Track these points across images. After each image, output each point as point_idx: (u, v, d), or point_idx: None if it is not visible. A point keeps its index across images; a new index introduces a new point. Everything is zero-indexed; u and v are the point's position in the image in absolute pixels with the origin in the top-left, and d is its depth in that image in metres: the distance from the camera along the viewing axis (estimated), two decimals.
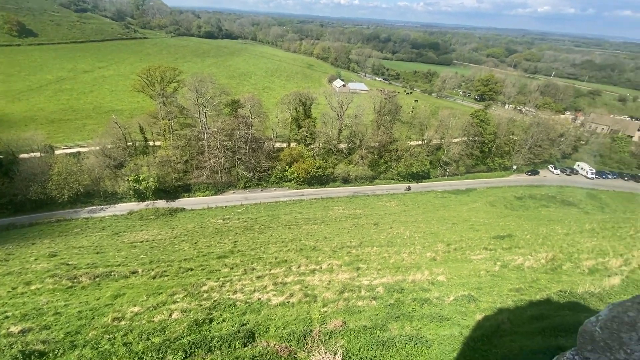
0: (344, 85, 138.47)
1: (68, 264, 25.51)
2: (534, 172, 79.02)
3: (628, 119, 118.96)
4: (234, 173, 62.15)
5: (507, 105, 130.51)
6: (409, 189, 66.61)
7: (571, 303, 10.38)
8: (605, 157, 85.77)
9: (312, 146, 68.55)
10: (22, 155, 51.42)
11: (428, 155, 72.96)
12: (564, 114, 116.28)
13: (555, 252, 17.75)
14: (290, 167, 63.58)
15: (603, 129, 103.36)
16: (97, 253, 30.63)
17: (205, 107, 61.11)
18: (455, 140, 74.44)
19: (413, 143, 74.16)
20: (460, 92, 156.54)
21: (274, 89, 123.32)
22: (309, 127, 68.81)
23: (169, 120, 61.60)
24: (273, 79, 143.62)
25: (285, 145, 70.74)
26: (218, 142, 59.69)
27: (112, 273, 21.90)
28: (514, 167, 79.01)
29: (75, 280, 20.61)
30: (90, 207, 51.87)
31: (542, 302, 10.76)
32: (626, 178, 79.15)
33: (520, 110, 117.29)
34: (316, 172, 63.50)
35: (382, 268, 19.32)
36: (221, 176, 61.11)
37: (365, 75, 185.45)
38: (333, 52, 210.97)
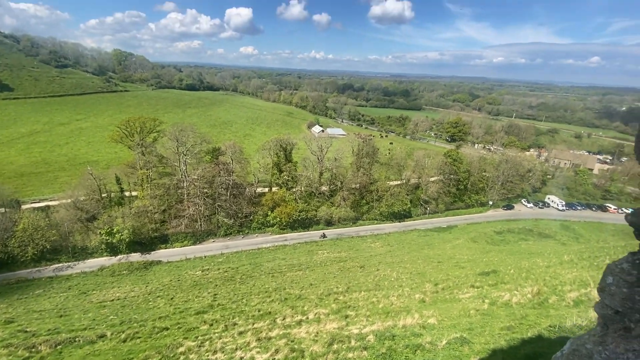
0: (322, 131, 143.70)
1: (26, 331, 22.89)
2: (509, 207, 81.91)
3: (586, 153, 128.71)
4: (214, 221, 60.56)
5: (476, 145, 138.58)
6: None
7: (562, 338, 10.23)
8: (572, 190, 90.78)
9: (294, 190, 68.81)
10: None
11: (408, 195, 74.60)
12: (528, 151, 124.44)
13: (540, 286, 17.85)
14: (272, 211, 62.90)
15: (565, 163, 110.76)
16: (61, 316, 27.83)
17: (185, 155, 61.14)
18: (432, 179, 77.10)
19: (392, 183, 76.05)
20: (432, 134, 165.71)
21: (254, 136, 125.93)
22: (290, 171, 69.65)
23: (147, 169, 60.75)
24: (254, 126, 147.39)
25: (266, 190, 70.64)
26: (198, 189, 58.87)
27: (77, 339, 19.78)
28: (490, 202, 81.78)
29: (33, 349, 18.40)
30: (57, 265, 48.11)
31: (534, 340, 10.55)
32: (594, 208, 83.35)
33: (489, 149, 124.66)
34: (299, 216, 62.99)
35: (371, 314, 18.57)
36: (201, 224, 59.29)
37: (342, 121, 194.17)
38: (311, 101, 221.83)
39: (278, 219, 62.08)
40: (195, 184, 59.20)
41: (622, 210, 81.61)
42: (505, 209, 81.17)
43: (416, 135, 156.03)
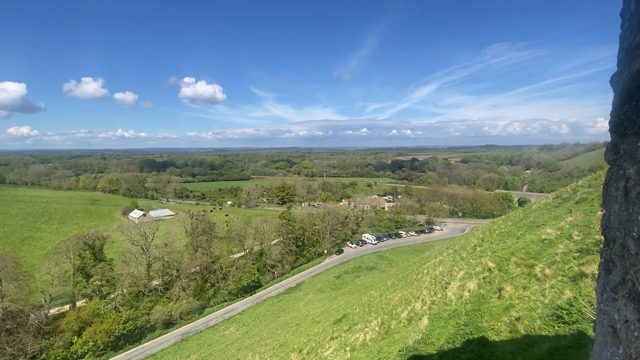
0: (144, 215, 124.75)
1: None
2: (340, 251, 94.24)
3: (377, 196, 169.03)
4: None
5: (303, 204, 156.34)
6: None
7: (412, 358, 11.79)
8: (377, 226, 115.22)
9: (113, 296, 53.97)
10: None
11: (254, 264, 73.10)
12: (341, 202, 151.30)
13: (381, 315, 20.54)
14: (79, 336, 46.14)
15: (367, 206, 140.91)
16: None
17: None
18: (274, 242, 79.53)
19: (236, 255, 72.96)
20: (265, 200, 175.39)
21: (40, 238, 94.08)
22: (104, 273, 54.92)
23: None
24: (38, 225, 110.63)
25: (67, 307, 52.09)
26: None
27: None
28: (325, 251, 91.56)
29: None
30: None
31: None
32: (393, 237, 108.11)
33: (313, 205, 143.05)
34: (124, 329, 48.97)
35: None
36: None
37: (168, 201, 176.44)
38: (124, 183, 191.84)
39: (91, 343, 45.95)
40: None
41: (409, 233, 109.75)
42: (337, 254, 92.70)
43: (250, 203, 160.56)
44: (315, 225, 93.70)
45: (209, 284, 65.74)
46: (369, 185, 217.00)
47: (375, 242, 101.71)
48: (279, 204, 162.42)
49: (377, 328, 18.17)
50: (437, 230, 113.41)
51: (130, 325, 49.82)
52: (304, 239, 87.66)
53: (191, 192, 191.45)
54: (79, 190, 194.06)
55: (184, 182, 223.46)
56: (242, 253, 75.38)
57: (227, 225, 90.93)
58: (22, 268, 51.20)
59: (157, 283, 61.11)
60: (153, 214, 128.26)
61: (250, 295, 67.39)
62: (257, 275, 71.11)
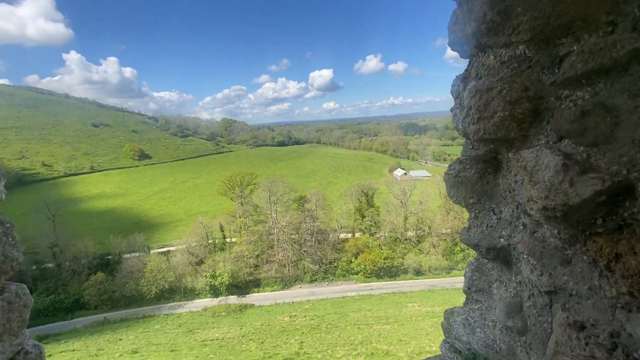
0: (405, 174, 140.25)
1: None
2: None
3: None
4: (301, 266, 62.44)
5: None
6: None
7: None
8: None
9: (377, 235, 67.02)
10: (125, 255, 60.09)
11: None
12: None
13: None
14: (356, 258, 61.85)
15: None
16: (172, 351, 31.39)
17: (275, 204, 66.72)
18: None
19: None
20: None
21: (337, 183, 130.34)
22: (373, 216, 68.70)
23: (244, 218, 67.97)
24: (336, 174, 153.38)
25: (349, 235, 70.55)
26: (286, 235, 62.56)
27: None
28: None
29: None
30: (172, 304, 55.44)
31: None
32: None
33: None
34: (384, 263, 60.26)
35: None
36: (289, 270, 61.76)
37: (426, 162, 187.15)
38: (391, 145, 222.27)
39: (362, 266, 60.48)
40: (284, 230, 63.22)
41: None
42: None
43: None
44: None
45: (458, 249, 65.97)
46: None
47: None
48: None
49: None
50: None
51: (389, 262, 60.58)
52: None
53: (449, 155, 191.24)
54: (360, 150, 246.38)
55: (442, 146, 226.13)
56: None
57: None
58: (327, 202, 74.23)
59: (411, 235, 68.97)
60: (412, 173, 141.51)
61: None
62: None
